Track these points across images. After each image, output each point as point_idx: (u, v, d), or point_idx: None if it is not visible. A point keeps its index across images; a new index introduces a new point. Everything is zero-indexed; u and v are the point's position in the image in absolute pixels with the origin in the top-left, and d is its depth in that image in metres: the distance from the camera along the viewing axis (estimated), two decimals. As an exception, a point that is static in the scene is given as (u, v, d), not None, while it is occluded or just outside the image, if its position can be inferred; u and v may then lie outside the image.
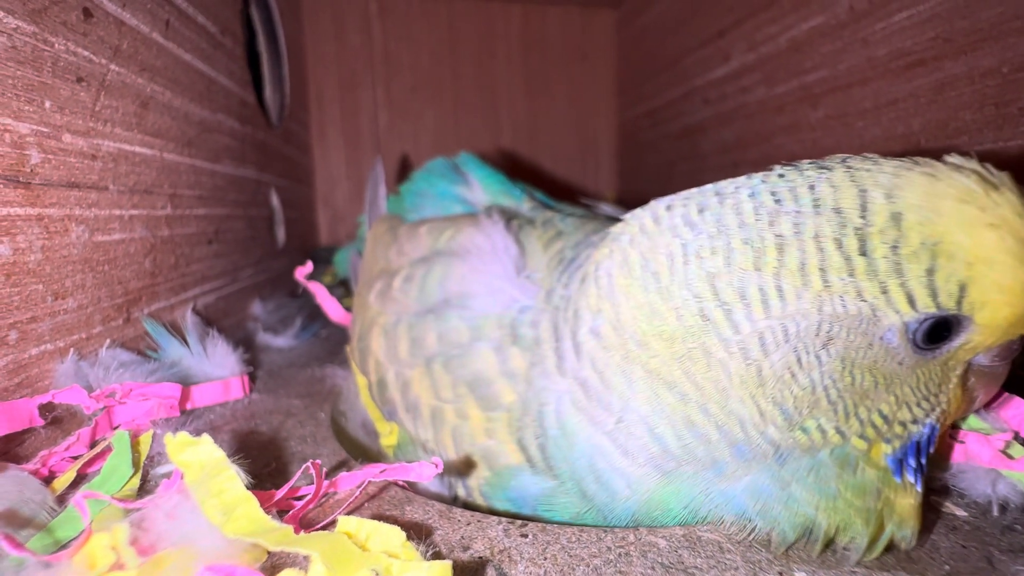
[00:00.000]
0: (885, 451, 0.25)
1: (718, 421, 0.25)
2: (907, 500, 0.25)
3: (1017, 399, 0.30)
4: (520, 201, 0.49)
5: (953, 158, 0.24)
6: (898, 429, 0.25)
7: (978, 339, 0.24)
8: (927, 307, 0.23)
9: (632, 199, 0.31)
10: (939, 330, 0.24)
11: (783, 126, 0.68)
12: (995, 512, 0.27)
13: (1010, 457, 0.28)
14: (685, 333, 0.25)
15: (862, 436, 0.24)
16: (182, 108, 0.52)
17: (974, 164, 0.24)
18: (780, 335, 0.24)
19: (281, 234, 0.86)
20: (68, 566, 0.21)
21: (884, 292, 0.23)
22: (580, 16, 1.19)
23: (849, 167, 0.24)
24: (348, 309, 0.58)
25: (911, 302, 0.23)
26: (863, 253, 0.23)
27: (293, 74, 0.96)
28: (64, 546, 0.24)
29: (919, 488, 0.25)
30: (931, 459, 0.29)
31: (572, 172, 1.23)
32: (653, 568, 0.24)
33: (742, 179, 0.26)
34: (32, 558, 0.21)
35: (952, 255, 0.22)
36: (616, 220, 0.32)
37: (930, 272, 0.22)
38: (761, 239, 0.24)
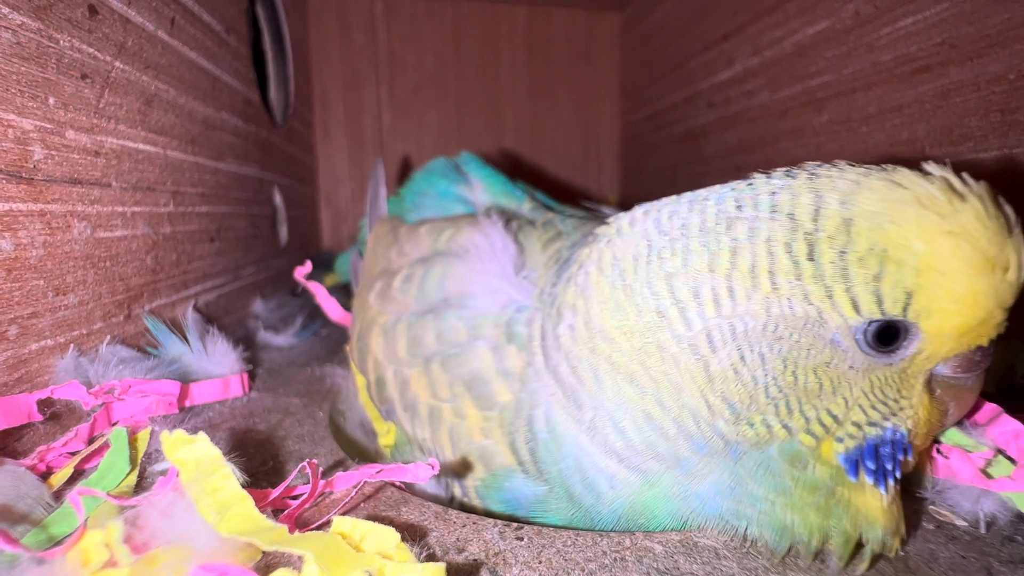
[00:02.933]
0: (836, 449, 0.25)
1: (673, 415, 0.26)
2: (869, 500, 0.25)
3: (1006, 416, 0.29)
4: (521, 202, 0.49)
5: (927, 166, 0.24)
6: (851, 429, 0.25)
7: (930, 348, 0.24)
8: (872, 313, 0.23)
9: (634, 202, 0.31)
10: (888, 335, 0.23)
11: (787, 130, 0.68)
12: (983, 530, 0.27)
13: (989, 476, 0.28)
14: (643, 328, 0.26)
15: (809, 432, 0.24)
16: (186, 106, 0.52)
17: (945, 172, 0.24)
18: (728, 333, 0.24)
19: (283, 233, 0.86)
20: (62, 563, 0.21)
21: (830, 296, 0.23)
22: (584, 18, 1.18)
23: (813, 174, 0.25)
24: (348, 310, 0.58)
25: (856, 307, 0.23)
26: (811, 258, 0.23)
27: (297, 73, 0.97)
28: (58, 543, 0.24)
29: (883, 491, 0.25)
30: (916, 472, 0.29)
31: (575, 175, 1.23)
32: (648, 573, 0.24)
33: (718, 186, 0.27)
34: (26, 554, 0.21)
35: (901, 261, 0.22)
36: None
37: (877, 278, 0.23)
38: (717, 242, 0.25)
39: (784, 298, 0.23)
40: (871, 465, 0.25)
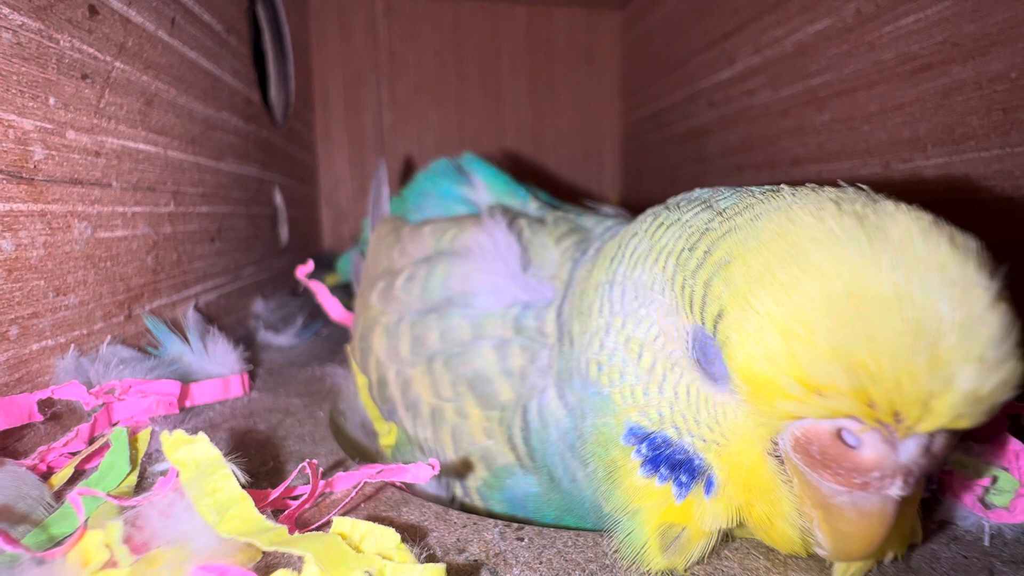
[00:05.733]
0: (631, 416, 0.24)
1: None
2: (634, 478, 0.23)
3: (1007, 434, 0.28)
4: (525, 201, 0.49)
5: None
6: (653, 414, 0.23)
7: (744, 393, 0.19)
8: (696, 318, 0.21)
9: (635, 201, 0.31)
10: (711, 353, 0.20)
11: (788, 129, 0.67)
12: (986, 542, 0.26)
13: (987, 506, 0.27)
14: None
15: (621, 394, 0.24)
16: (186, 106, 0.52)
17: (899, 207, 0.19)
18: (632, 296, 0.25)
19: (284, 233, 0.86)
20: (62, 563, 0.21)
21: (683, 287, 0.22)
22: (585, 17, 1.18)
23: (780, 193, 0.22)
24: (350, 309, 0.59)
25: (691, 307, 0.21)
26: (691, 248, 0.22)
27: (298, 73, 0.97)
28: (59, 543, 0.24)
29: (651, 480, 0.23)
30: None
31: (576, 174, 1.23)
32: (649, 574, 0.24)
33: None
34: (26, 554, 0.21)
35: (730, 270, 0.19)
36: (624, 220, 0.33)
37: (707, 283, 0.20)
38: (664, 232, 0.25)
39: (668, 278, 0.23)
40: (645, 451, 0.23)
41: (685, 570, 0.23)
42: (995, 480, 0.27)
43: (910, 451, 0.17)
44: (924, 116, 0.49)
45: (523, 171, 1.16)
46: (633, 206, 0.31)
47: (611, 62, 1.20)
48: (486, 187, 0.52)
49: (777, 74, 0.68)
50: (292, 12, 0.95)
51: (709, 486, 0.22)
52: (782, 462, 0.20)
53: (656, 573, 0.23)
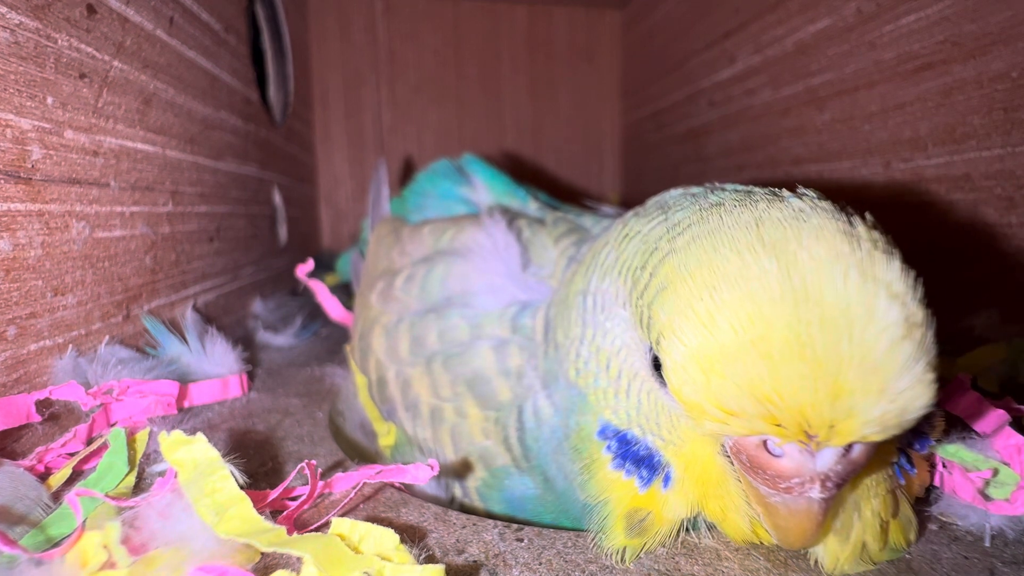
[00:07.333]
0: (604, 414, 0.26)
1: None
2: (606, 470, 0.25)
3: (1009, 429, 0.28)
4: (525, 202, 0.49)
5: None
6: (622, 414, 0.25)
7: (681, 408, 0.21)
8: (645, 336, 0.22)
9: (635, 201, 0.31)
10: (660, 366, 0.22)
11: (789, 129, 0.67)
12: (987, 543, 0.26)
13: (987, 498, 0.27)
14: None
15: (595, 395, 0.26)
16: (185, 105, 0.52)
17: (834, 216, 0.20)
18: (601, 303, 0.27)
19: (283, 232, 0.86)
20: (60, 564, 0.21)
21: (639, 302, 0.23)
22: (585, 17, 1.18)
23: (742, 197, 0.23)
24: (349, 308, 0.58)
25: (642, 323, 0.23)
26: (643, 266, 0.23)
27: (297, 72, 0.96)
28: (57, 544, 0.23)
29: (623, 474, 0.25)
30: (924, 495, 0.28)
31: (576, 174, 1.23)
32: (649, 574, 0.24)
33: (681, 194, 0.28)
34: (24, 555, 0.21)
35: (665, 296, 0.20)
36: None
37: (650, 305, 0.21)
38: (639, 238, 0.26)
39: (627, 293, 0.24)
40: (615, 447, 0.25)
41: (641, 552, 0.25)
42: (996, 473, 0.27)
43: (826, 460, 0.19)
44: (925, 115, 0.49)
45: (523, 171, 1.16)
46: (633, 206, 0.31)
47: (611, 62, 1.20)
48: (486, 188, 0.52)
49: (778, 74, 0.68)
50: (291, 11, 0.95)
51: (667, 480, 0.24)
52: (732, 461, 0.22)
53: (618, 549, 0.25)
